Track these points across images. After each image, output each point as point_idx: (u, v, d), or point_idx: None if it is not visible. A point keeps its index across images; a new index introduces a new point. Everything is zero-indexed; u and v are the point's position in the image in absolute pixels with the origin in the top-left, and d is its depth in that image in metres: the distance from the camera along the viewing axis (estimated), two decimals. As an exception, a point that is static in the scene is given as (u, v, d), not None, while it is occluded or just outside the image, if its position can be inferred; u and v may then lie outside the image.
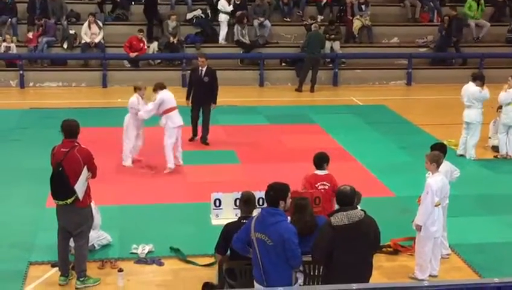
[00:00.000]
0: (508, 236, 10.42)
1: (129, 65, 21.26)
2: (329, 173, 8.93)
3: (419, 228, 8.77)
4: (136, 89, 12.95)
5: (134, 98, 12.85)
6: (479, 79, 13.72)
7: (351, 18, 22.94)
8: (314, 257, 7.06)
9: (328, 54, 21.83)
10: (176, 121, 12.71)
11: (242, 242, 7.03)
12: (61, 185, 8.21)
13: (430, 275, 8.94)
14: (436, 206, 8.72)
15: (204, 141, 14.63)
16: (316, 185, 8.72)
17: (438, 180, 8.73)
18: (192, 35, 21.99)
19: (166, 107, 12.63)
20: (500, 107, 14.18)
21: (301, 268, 7.21)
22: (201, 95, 14.44)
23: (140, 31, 20.73)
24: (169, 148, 12.77)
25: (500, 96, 13.88)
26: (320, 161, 8.96)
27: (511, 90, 13.75)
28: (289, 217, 7.32)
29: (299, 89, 20.47)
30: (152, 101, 12.74)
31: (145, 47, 20.79)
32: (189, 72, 15.62)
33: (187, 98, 14.66)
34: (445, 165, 9.37)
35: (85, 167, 8.28)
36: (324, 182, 8.80)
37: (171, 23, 21.31)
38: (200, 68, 14.48)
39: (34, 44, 20.74)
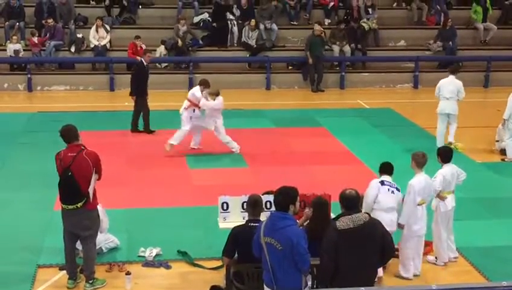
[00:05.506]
0: (516, 239, 10.42)
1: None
2: None
3: (402, 227, 8.94)
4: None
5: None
6: (457, 71, 15.00)
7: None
8: (322, 262, 7.06)
9: (335, 58, 21.93)
10: None
11: (259, 251, 6.97)
12: (71, 190, 8.22)
13: (414, 275, 9.04)
14: (419, 205, 8.90)
15: (150, 130, 15.68)
16: None
17: (422, 180, 8.93)
18: (196, 40, 21.99)
19: None
20: None
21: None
22: (146, 88, 15.77)
23: (137, 37, 20.67)
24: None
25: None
26: None
27: None
28: (299, 221, 7.35)
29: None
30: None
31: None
32: (144, 74, 15.88)
33: (132, 94, 15.74)
34: (452, 168, 9.40)
35: (94, 170, 8.32)
36: None
37: (182, 28, 21.36)
38: (145, 63, 15.71)
39: (38, 49, 20.80)
